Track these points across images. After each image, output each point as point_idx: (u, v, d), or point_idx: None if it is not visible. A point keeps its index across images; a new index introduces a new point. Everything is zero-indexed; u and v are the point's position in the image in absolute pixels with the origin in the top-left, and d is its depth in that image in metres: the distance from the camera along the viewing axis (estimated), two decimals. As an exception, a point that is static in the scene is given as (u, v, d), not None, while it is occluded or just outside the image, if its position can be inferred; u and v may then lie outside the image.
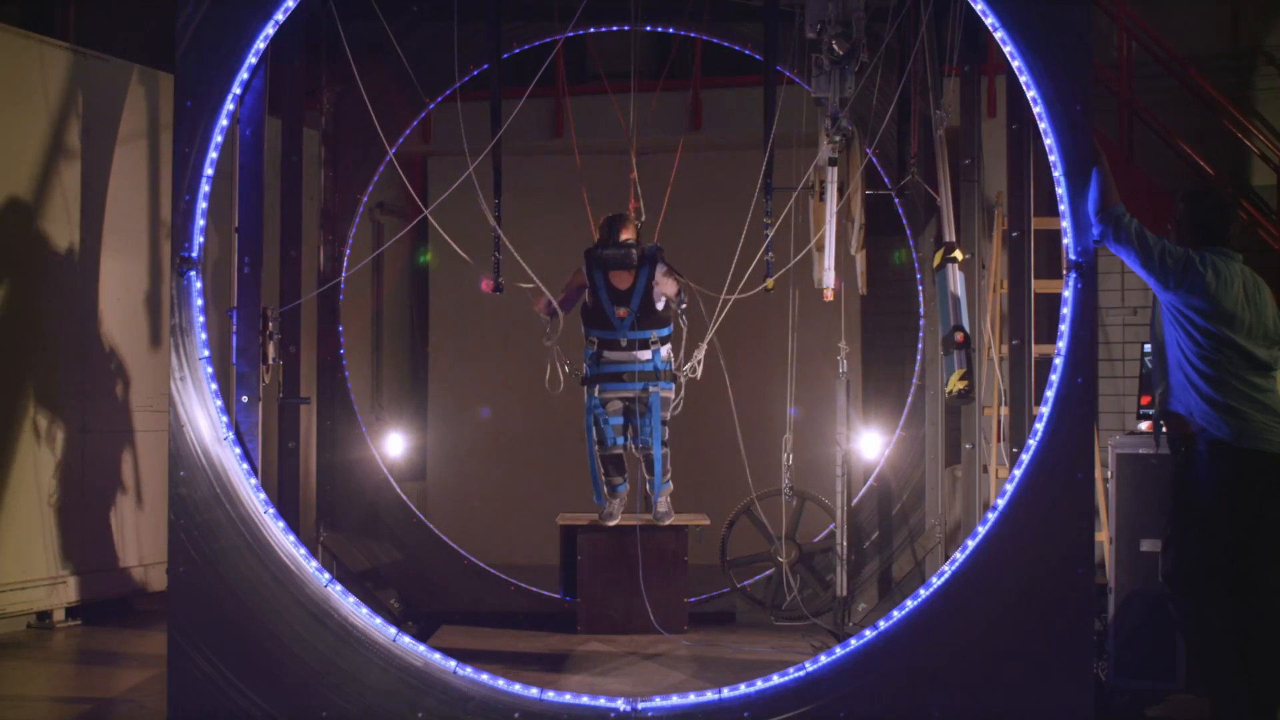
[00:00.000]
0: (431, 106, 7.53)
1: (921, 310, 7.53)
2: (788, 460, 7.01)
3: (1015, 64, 5.03)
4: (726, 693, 4.92)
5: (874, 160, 6.97)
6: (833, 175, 5.98)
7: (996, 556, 4.97)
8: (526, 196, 9.01)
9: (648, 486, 7.12)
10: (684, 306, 6.72)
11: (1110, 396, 8.81)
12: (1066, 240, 5.00)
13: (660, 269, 6.66)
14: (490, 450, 9.86)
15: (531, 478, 9.53)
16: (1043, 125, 5.00)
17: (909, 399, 7.61)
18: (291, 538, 5.05)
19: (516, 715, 4.90)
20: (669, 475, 7.12)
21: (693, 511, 7.32)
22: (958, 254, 6.03)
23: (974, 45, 6.48)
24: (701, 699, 4.92)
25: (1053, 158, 5.00)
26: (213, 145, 5.03)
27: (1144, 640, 5.52)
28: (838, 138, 5.75)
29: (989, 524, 4.98)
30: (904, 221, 7.51)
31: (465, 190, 5.85)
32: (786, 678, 4.92)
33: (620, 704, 4.89)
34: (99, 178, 7.64)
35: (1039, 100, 4.99)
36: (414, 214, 7.79)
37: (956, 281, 6.02)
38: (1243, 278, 4.95)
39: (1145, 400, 6.05)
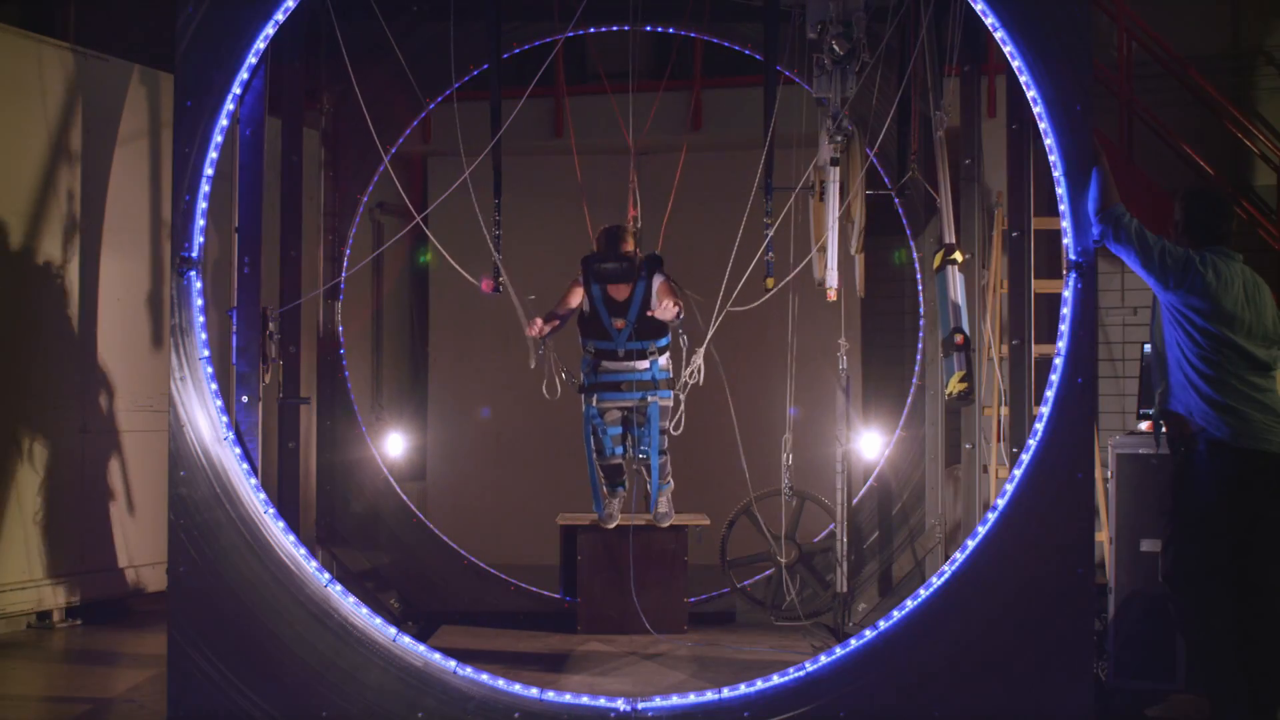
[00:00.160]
0: (431, 106, 7.53)
1: (921, 310, 7.53)
2: (787, 460, 7.01)
3: (1015, 64, 5.03)
4: (726, 693, 4.92)
5: (874, 160, 6.97)
6: (834, 175, 5.98)
7: (996, 556, 4.97)
8: (526, 196, 9.01)
9: (648, 487, 7.10)
10: (681, 320, 6.62)
11: (1110, 396, 8.81)
12: (1066, 240, 5.01)
13: (658, 280, 6.59)
14: (490, 450, 9.86)
15: (531, 478, 9.53)
16: (1043, 125, 5.00)
17: (909, 399, 7.61)
18: (291, 538, 5.06)
19: (516, 715, 4.90)
20: (669, 477, 7.11)
21: (693, 511, 7.32)
22: (957, 255, 6.03)
23: (974, 45, 6.48)
24: (701, 699, 4.92)
25: (1053, 158, 5.00)
26: (213, 145, 5.04)
27: (1144, 640, 5.52)
28: (839, 138, 5.74)
29: (989, 524, 4.98)
30: (904, 221, 7.51)
31: (465, 190, 5.85)
32: (786, 678, 4.93)
33: (620, 704, 4.89)
34: (99, 178, 7.64)
35: (1039, 100, 4.99)
36: (411, 215, 7.79)
37: (956, 283, 6.02)
38: (1243, 278, 4.95)
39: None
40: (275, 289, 5.86)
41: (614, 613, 7.01)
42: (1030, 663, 4.93)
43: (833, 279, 6.10)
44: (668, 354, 6.86)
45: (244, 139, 5.30)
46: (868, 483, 7.70)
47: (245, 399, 5.23)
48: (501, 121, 6.24)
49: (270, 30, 5.11)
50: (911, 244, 7.54)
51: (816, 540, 7.48)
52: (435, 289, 10.20)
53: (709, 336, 6.27)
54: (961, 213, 6.63)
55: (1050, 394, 4.96)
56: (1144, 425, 5.77)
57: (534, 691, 4.93)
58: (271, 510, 5.04)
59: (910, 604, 4.98)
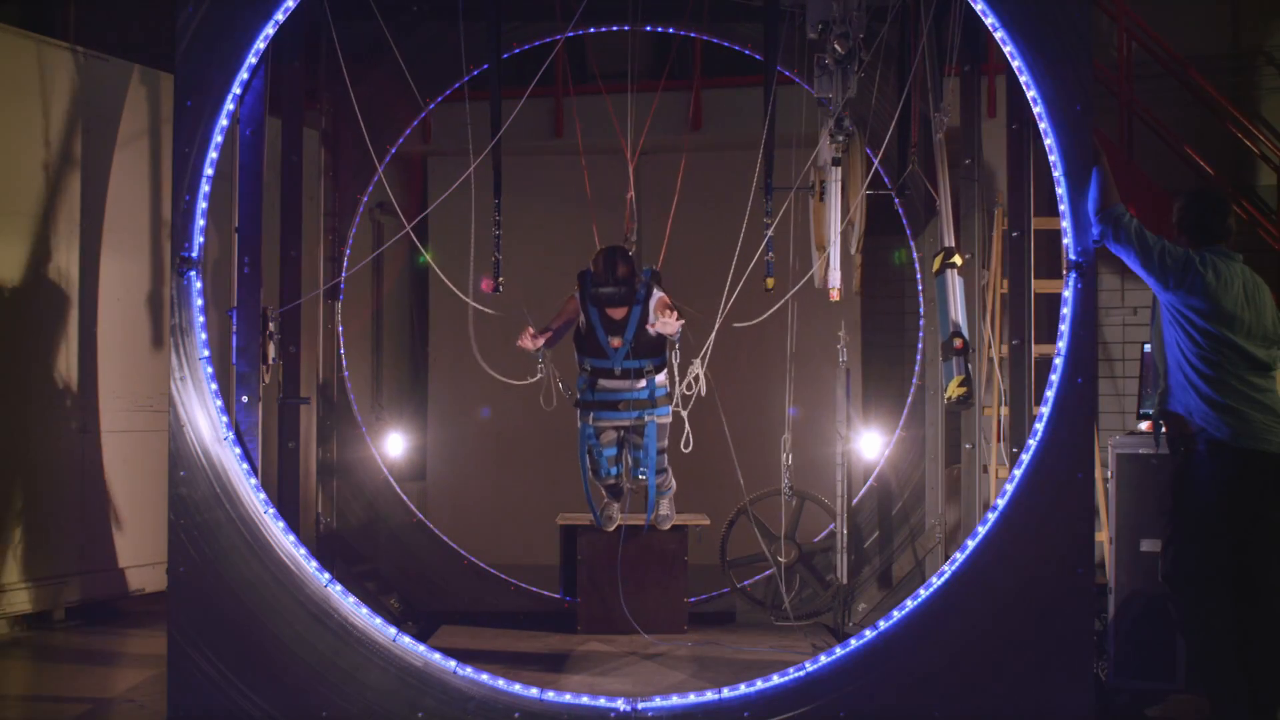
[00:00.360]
0: (431, 106, 7.53)
1: (921, 310, 7.53)
2: (787, 460, 7.00)
3: (1015, 64, 5.03)
4: (726, 693, 4.92)
5: (874, 160, 6.97)
6: (836, 175, 5.98)
7: (996, 556, 4.97)
8: (526, 196, 9.01)
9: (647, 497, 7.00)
10: (678, 337, 6.46)
11: (1110, 396, 8.82)
12: (1066, 240, 5.01)
13: (655, 298, 6.40)
14: (490, 450, 9.85)
15: (531, 478, 9.52)
16: (1043, 125, 5.00)
17: (909, 399, 7.61)
18: (291, 538, 5.06)
19: (516, 715, 4.90)
20: (671, 480, 7.04)
21: (693, 511, 7.31)
22: (957, 259, 6.03)
23: (974, 45, 6.48)
24: (701, 699, 4.92)
25: (1053, 158, 5.00)
26: (213, 145, 5.04)
27: (1144, 640, 5.53)
28: (840, 138, 5.75)
29: (989, 524, 4.98)
30: (904, 221, 7.51)
31: (465, 190, 5.85)
32: (786, 678, 4.93)
33: (620, 704, 4.89)
34: (99, 178, 7.64)
35: (1039, 100, 4.99)
36: (412, 215, 7.79)
37: (955, 287, 6.02)
38: (1242, 278, 4.95)
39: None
40: (275, 289, 5.86)
41: (614, 613, 7.00)
42: (1030, 663, 4.93)
43: (835, 279, 6.10)
44: (665, 372, 6.71)
45: (244, 139, 5.30)
46: (868, 483, 7.70)
47: (245, 399, 5.23)
48: (501, 121, 6.23)
49: (270, 30, 5.11)
50: (911, 244, 7.54)
51: (816, 540, 7.48)
52: (435, 289, 10.19)
53: (709, 343, 6.21)
54: (961, 213, 6.63)
55: (1050, 394, 4.96)
56: (1144, 425, 5.78)
57: (534, 691, 4.93)
58: (271, 510, 5.04)
59: (910, 604, 4.98)
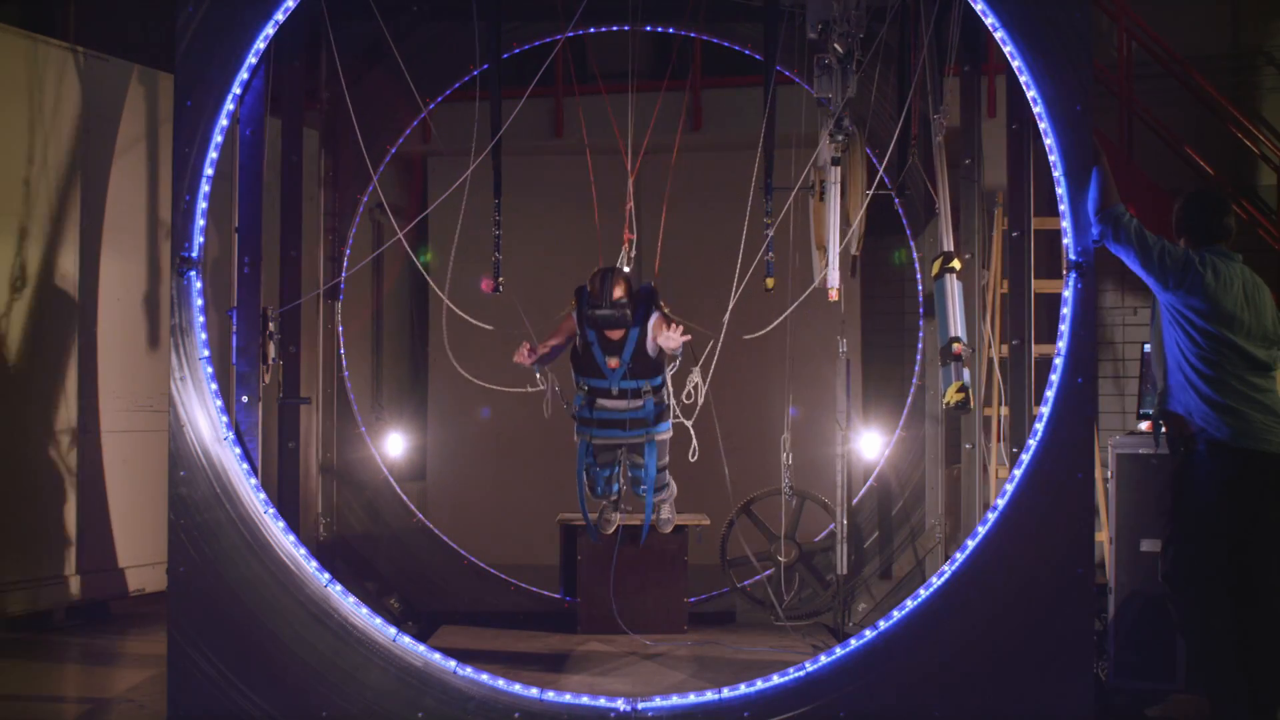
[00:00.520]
0: (431, 106, 7.53)
1: (921, 310, 7.53)
2: (787, 460, 7.00)
3: (1015, 64, 5.03)
4: (726, 693, 4.92)
5: (874, 160, 6.97)
6: (835, 176, 5.98)
7: (996, 556, 4.97)
8: (526, 196, 9.01)
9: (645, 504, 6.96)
10: (680, 355, 6.35)
11: (1110, 396, 8.82)
12: (1066, 240, 5.01)
13: (654, 318, 6.28)
14: (490, 450, 9.85)
15: (531, 478, 9.52)
16: (1043, 125, 5.00)
17: (909, 399, 7.61)
18: (291, 538, 5.06)
19: (516, 715, 4.90)
20: (671, 483, 7.00)
21: (693, 511, 7.31)
22: (955, 264, 6.03)
23: (974, 45, 6.48)
24: (701, 699, 4.92)
25: (1053, 158, 5.00)
26: (213, 145, 5.04)
27: (1144, 640, 5.52)
28: (840, 137, 5.75)
29: (989, 524, 4.98)
30: (904, 221, 7.51)
31: (465, 190, 5.85)
32: (786, 678, 4.93)
33: (620, 704, 4.89)
34: (99, 178, 7.64)
35: (1039, 100, 4.99)
36: (413, 214, 7.81)
37: (954, 292, 6.02)
38: (1242, 278, 4.95)
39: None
40: (275, 289, 5.86)
41: (614, 612, 7.00)
42: (1030, 663, 4.93)
43: (834, 279, 6.09)
44: (663, 391, 6.64)
45: (244, 139, 5.30)
46: (868, 483, 7.70)
47: (245, 399, 5.23)
48: (502, 121, 6.23)
49: (270, 30, 5.11)
50: (911, 244, 7.54)
51: (817, 540, 7.48)
52: (435, 289, 10.19)
53: (715, 353, 6.17)
54: (961, 213, 6.63)
55: (1050, 394, 4.96)
56: (1144, 425, 5.78)
57: (534, 691, 4.93)
58: (271, 510, 5.04)
59: (910, 604, 4.98)
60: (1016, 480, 4.97)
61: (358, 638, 4.98)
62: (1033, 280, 5.52)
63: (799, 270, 6.37)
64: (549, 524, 7.47)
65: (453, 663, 4.97)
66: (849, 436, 7.08)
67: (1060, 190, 5.00)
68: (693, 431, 6.34)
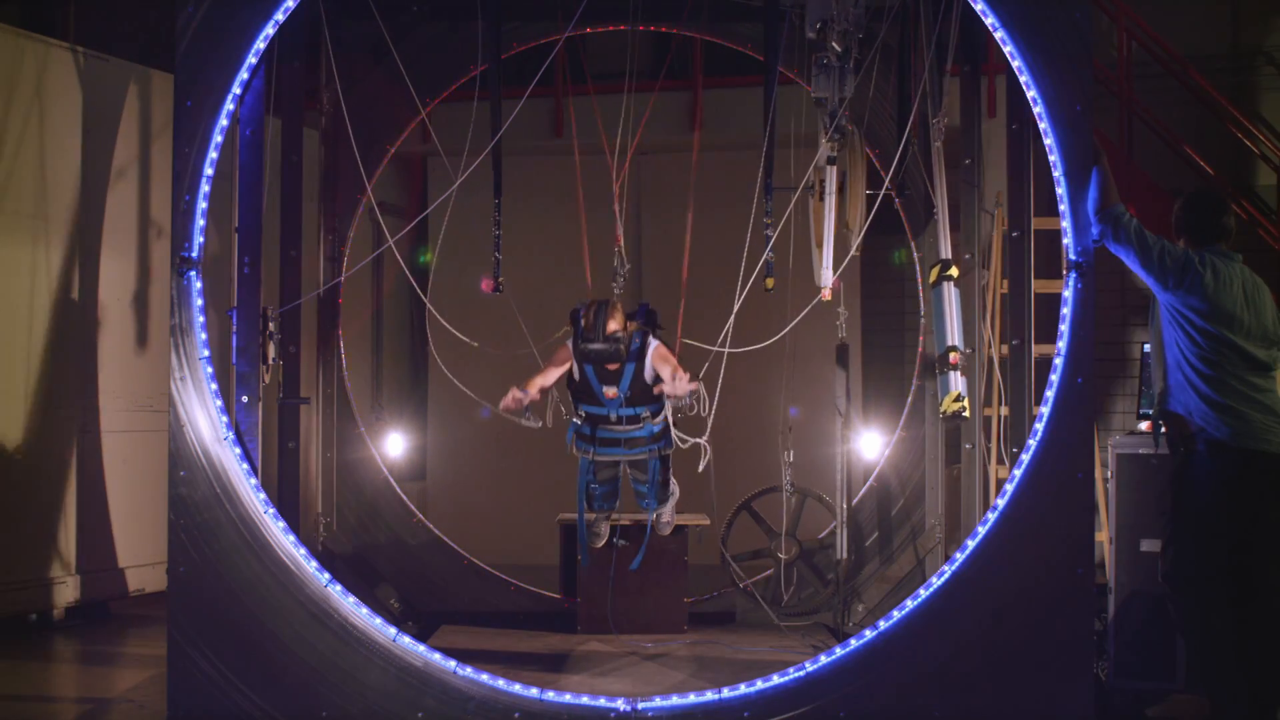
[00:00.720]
0: (431, 107, 7.53)
1: (921, 310, 7.53)
2: (788, 458, 7.00)
3: (1015, 64, 5.03)
4: (726, 693, 4.92)
5: (874, 160, 6.96)
6: (831, 174, 5.98)
7: (996, 556, 4.97)
8: (526, 197, 9.01)
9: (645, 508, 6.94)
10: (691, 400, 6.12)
11: (1110, 396, 8.82)
12: (1066, 240, 5.01)
13: (653, 348, 6.20)
14: (490, 450, 9.85)
15: (531, 478, 9.52)
16: (1043, 125, 5.00)
17: (909, 399, 7.61)
18: (291, 538, 5.06)
19: (516, 715, 4.90)
20: (674, 488, 6.98)
21: (693, 511, 7.31)
22: (953, 271, 6.03)
23: (974, 45, 6.47)
24: (701, 699, 4.92)
25: (1053, 158, 5.00)
26: (213, 145, 5.04)
27: (1144, 640, 5.52)
28: (837, 136, 5.75)
29: (989, 524, 4.98)
30: (904, 221, 7.50)
31: (465, 190, 5.85)
32: (786, 678, 4.93)
33: (620, 704, 4.89)
34: (99, 178, 7.64)
35: (1039, 100, 4.99)
36: (413, 214, 7.80)
37: (952, 300, 6.01)
38: (1242, 278, 4.95)
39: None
40: (275, 289, 5.86)
41: (613, 612, 7.00)
42: (1030, 663, 4.93)
43: (828, 279, 6.09)
44: (664, 414, 6.44)
45: (244, 139, 5.30)
46: (868, 483, 7.70)
47: (245, 399, 5.23)
48: (501, 121, 6.22)
49: (270, 30, 5.11)
50: (912, 244, 7.54)
51: (820, 537, 7.48)
52: (435, 289, 10.18)
53: (720, 367, 6.13)
54: (962, 213, 6.63)
55: (1050, 394, 4.96)
56: (1144, 425, 5.78)
57: (534, 691, 4.93)
58: (271, 510, 5.04)
59: (910, 604, 4.98)
60: (1016, 480, 4.97)
61: (358, 638, 4.98)
62: (1033, 280, 5.52)
63: (800, 271, 6.36)
64: (549, 524, 7.47)
65: (453, 663, 4.97)
66: (850, 419, 7.06)
67: (1060, 190, 5.00)
68: (707, 448, 6.28)
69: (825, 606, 7.29)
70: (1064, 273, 5.01)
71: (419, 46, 7.34)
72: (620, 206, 6.66)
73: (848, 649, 4.96)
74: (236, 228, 5.33)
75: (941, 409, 5.99)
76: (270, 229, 5.57)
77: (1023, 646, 4.93)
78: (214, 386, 5.03)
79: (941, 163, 6.35)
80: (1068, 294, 4.98)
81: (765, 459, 7.29)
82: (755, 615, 7.42)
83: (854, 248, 6.37)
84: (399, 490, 7.76)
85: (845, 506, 7.02)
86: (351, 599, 5.03)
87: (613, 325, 6.02)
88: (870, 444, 7.74)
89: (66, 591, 7.40)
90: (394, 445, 8.17)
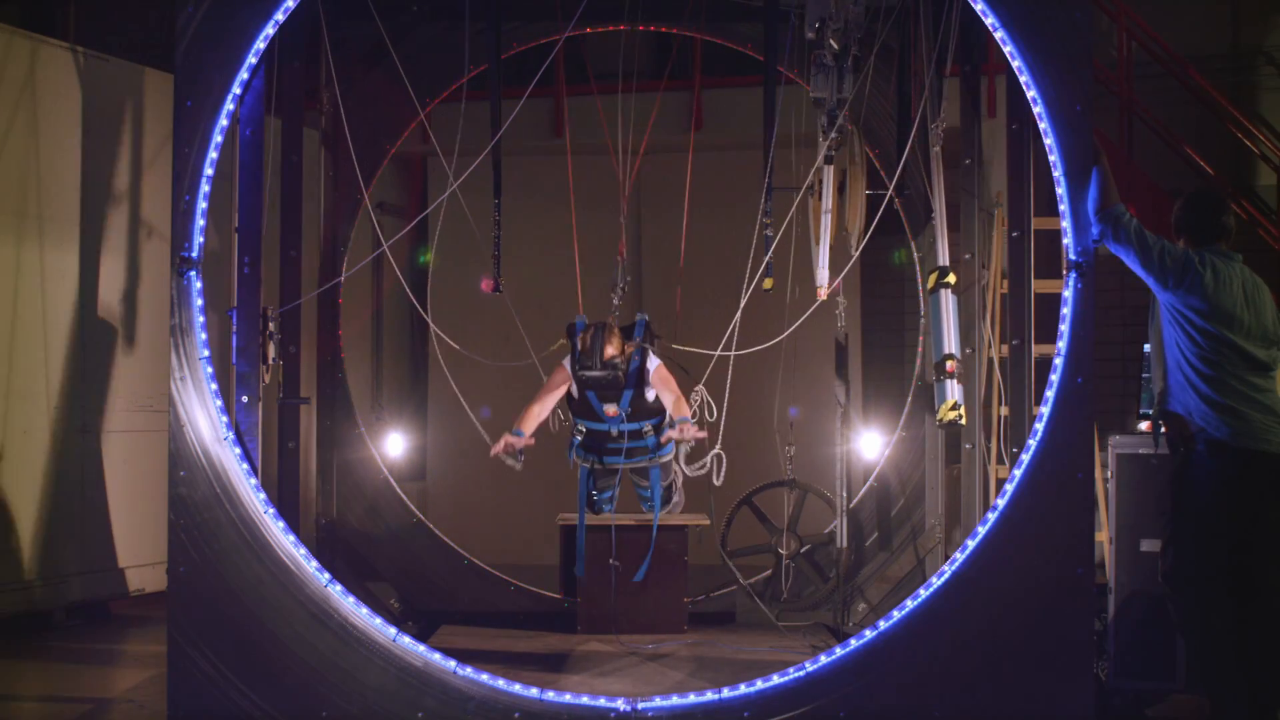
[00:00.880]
0: (431, 106, 7.53)
1: (921, 310, 7.52)
2: (789, 453, 6.99)
3: (1015, 64, 5.03)
4: (726, 693, 4.92)
5: (873, 160, 6.96)
6: (828, 174, 5.97)
7: (996, 556, 4.97)
8: (526, 197, 9.00)
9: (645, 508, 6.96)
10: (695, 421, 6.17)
11: (1110, 396, 8.81)
12: (1066, 240, 5.01)
13: (653, 367, 6.20)
14: (490, 450, 9.84)
15: (531, 478, 9.49)
16: (1043, 125, 5.00)
17: (909, 399, 7.61)
18: (291, 538, 5.05)
19: (516, 715, 4.90)
20: (679, 492, 6.98)
21: (693, 511, 7.31)
22: (951, 278, 6.02)
23: (974, 45, 6.47)
24: (701, 699, 4.92)
25: (1053, 158, 5.00)
26: (213, 145, 5.04)
27: (1144, 640, 5.52)
28: (835, 135, 5.74)
29: (989, 524, 4.98)
30: (904, 221, 7.50)
31: (464, 191, 5.85)
32: (786, 678, 4.92)
33: (620, 704, 4.89)
34: (99, 178, 7.64)
35: (1039, 100, 4.99)
36: (413, 214, 7.80)
37: (949, 308, 6.00)
38: (1242, 278, 4.95)
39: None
40: (275, 289, 5.86)
41: (613, 613, 7.00)
42: (1030, 663, 4.93)
43: (823, 277, 6.08)
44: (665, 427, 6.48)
45: (244, 139, 5.30)
46: (868, 482, 7.70)
47: (245, 399, 5.23)
48: (501, 121, 6.22)
49: (270, 30, 5.11)
50: (912, 244, 7.54)
51: (826, 531, 7.48)
52: (435, 289, 10.19)
53: (715, 369, 6.13)
54: (961, 213, 6.63)
55: (1050, 394, 4.96)
56: (1144, 425, 5.78)
57: (534, 691, 4.93)
58: (271, 510, 5.04)
59: (910, 604, 4.98)
60: (1016, 480, 4.97)
61: (358, 638, 4.98)
62: (1033, 280, 5.52)
63: (800, 272, 6.36)
64: (549, 524, 7.47)
65: (453, 663, 4.97)
66: (848, 406, 7.06)
67: (1060, 190, 5.00)
68: (722, 456, 6.26)
69: (826, 603, 7.29)
70: (1064, 273, 5.01)
71: (419, 46, 7.34)
72: (623, 215, 6.69)
73: (848, 649, 4.96)
74: (236, 228, 5.33)
75: (938, 418, 5.99)
76: (270, 229, 5.57)
77: (1023, 646, 4.93)
78: (214, 386, 5.03)
79: (940, 165, 6.34)
80: (1068, 294, 4.98)
81: (766, 458, 7.28)
82: (755, 615, 7.42)
83: (855, 252, 6.38)
84: (399, 490, 7.76)
85: (845, 495, 7.01)
86: (351, 599, 5.03)
87: (610, 351, 6.01)
88: (870, 444, 7.74)
89: (66, 591, 7.40)
90: (394, 445, 8.17)
